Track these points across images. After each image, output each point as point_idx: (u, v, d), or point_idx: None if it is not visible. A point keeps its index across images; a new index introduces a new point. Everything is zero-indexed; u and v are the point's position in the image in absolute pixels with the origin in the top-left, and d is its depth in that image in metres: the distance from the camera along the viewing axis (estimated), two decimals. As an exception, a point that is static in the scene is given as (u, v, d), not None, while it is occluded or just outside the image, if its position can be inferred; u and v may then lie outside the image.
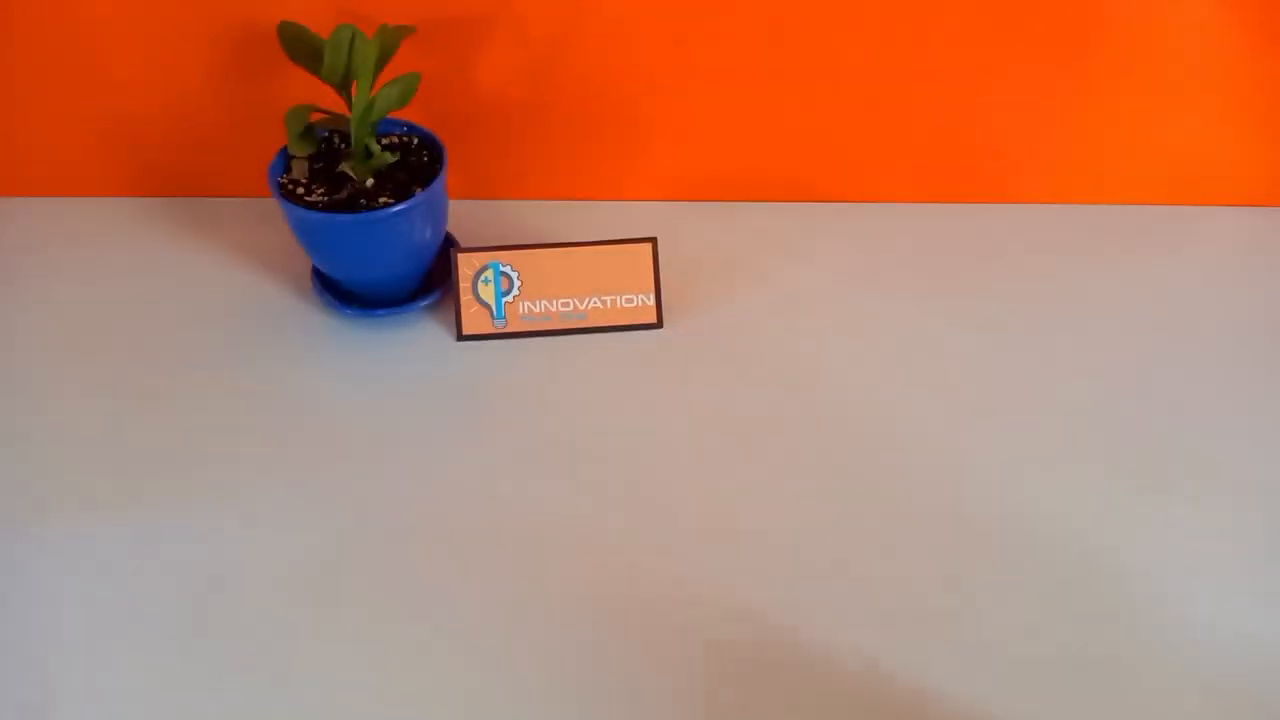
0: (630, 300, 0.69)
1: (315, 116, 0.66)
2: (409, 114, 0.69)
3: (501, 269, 0.68)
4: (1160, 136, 0.75)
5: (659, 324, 0.69)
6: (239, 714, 0.50)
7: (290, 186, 0.65)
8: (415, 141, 0.69)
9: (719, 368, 0.67)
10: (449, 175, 0.68)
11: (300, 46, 0.64)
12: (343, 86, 0.64)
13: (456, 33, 0.70)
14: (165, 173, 0.78)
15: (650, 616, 0.54)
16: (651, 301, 0.69)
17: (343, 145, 0.68)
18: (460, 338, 0.69)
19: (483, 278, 0.68)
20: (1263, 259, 0.74)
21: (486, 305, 0.68)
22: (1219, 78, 0.72)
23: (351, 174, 0.66)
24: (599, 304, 0.69)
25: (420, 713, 0.50)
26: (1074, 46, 0.71)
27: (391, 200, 0.64)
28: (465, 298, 0.68)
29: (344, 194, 0.65)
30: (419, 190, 0.65)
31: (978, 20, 0.70)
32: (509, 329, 0.69)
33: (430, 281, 0.71)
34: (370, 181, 0.65)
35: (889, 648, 0.52)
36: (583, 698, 0.50)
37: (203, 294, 0.72)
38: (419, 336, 0.69)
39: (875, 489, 0.60)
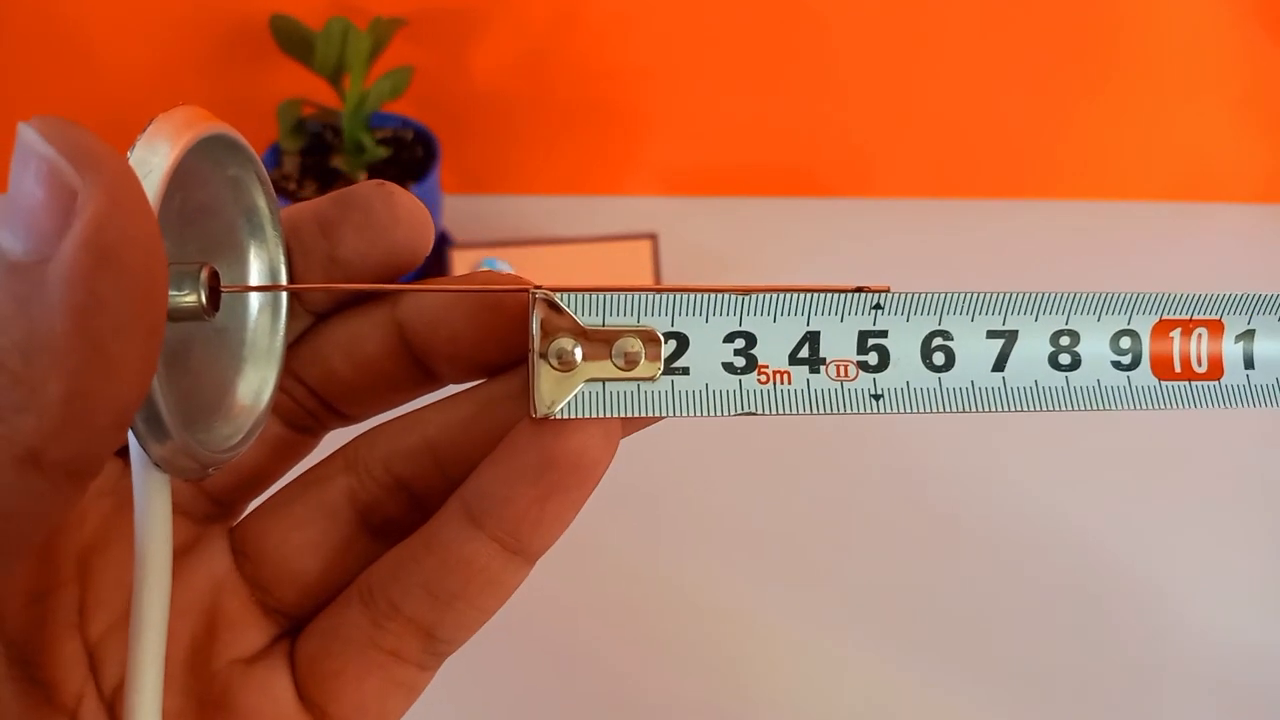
0: (629, 298, 0.67)
1: (307, 110, 0.65)
2: (402, 108, 0.67)
3: (498, 266, 0.67)
4: (1170, 133, 0.73)
5: (658, 322, 0.68)
6: None
7: (281, 181, 0.64)
8: (409, 136, 0.67)
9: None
10: (443, 170, 0.67)
11: (292, 39, 0.63)
12: (335, 80, 0.63)
13: (451, 25, 0.69)
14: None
15: (650, 621, 0.52)
16: (651, 299, 0.67)
17: (335, 140, 0.67)
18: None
19: (479, 275, 0.67)
20: (1274, 256, 0.73)
21: (482, 303, 0.67)
22: (1229, 74, 0.71)
23: (344, 169, 0.64)
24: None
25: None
26: (1083, 41, 0.70)
27: (385, 196, 0.63)
28: (461, 295, 0.67)
29: (336, 188, 0.64)
30: (412, 185, 0.63)
31: (987, 13, 0.68)
32: (505, 327, 0.67)
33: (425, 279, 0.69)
34: (363, 176, 0.64)
35: (873, 649, 0.51)
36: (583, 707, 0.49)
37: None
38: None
39: (880, 490, 0.58)
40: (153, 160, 0.15)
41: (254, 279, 0.19)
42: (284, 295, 0.19)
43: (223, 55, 0.70)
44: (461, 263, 0.66)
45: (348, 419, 0.21)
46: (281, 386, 0.20)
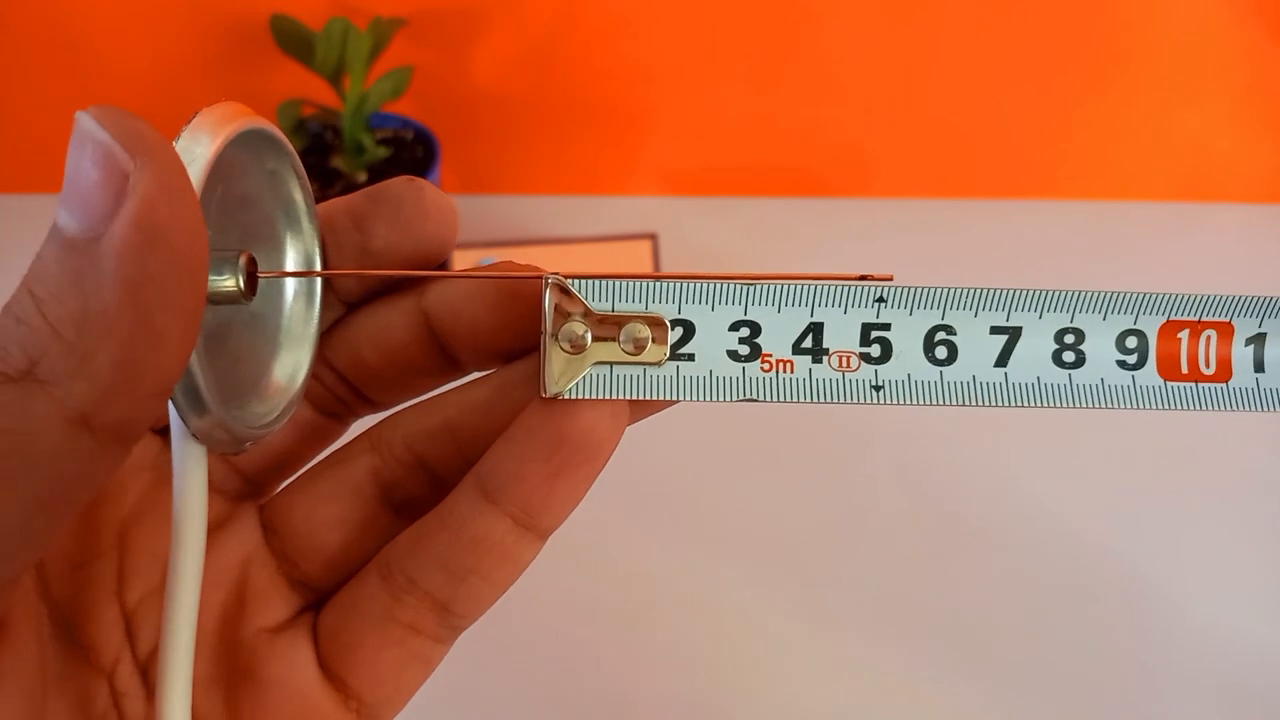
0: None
1: (307, 110, 0.65)
2: (402, 108, 0.67)
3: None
4: (1172, 133, 0.73)
5: (658, 322, 0.68)
6: None
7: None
8: (409, 136, 0.67)
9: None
10: (443, 170, 0.67)
11: (292, 39, 0.63)
12: (335, 80, 0.63)
13: (451, 25, 0.69)
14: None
15: (648, 618, 0.52)
16: (651, 299, 0.67)
17: (335, 140, 0.66)
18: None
19: (479, 275, 0.67)
20: (1278, 256, 0.73)
21: (482, 303, 0.67)
22: (1231, 73, 0.71)
23: (344, 169, 0.64)
24: (597, 302, 0.67)
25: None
26: (1086, 41, 0.70)
27: (385, 196, 0.63)
28: (461, 295, 0.67)
29: (336, 189, 0.64)
30: (413, 186, 0.63)
31: (989, 13, 0.68)
32: (505, 327, 0.67)
33: (425, 279, 0.69)
34: (363, 176, 0.64)
35: (872, 647, 0.51)
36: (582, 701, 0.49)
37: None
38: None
39: (879, 488, 0.58)
40: (195, 150, 0.16)
41: (290, 268, 0.20)
42: (318, 283, 0.20)
43: (223, 55, 0.70)
44: (461, 263, 0.66)
45: (375, 405, 0.22)
46: (314, 373, 0.21)
